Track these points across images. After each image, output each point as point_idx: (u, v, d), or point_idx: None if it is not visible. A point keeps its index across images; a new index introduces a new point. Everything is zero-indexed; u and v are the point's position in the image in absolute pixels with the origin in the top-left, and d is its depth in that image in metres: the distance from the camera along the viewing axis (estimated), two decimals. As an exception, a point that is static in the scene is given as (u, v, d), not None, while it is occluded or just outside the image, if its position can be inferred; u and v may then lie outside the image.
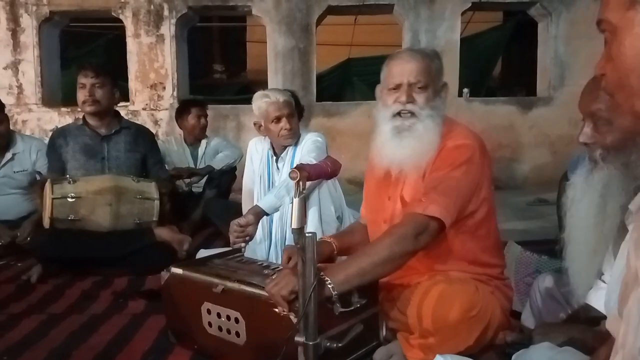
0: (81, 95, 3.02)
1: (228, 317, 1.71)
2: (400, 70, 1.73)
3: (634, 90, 0.69)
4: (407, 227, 1.58)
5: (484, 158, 1.74)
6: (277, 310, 1.53)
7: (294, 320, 1.49)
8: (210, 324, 1.77)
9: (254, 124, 2.77)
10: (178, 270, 1.89)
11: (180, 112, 4.29)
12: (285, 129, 2.65)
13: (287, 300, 1.50)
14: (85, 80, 3.01)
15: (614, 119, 0.75)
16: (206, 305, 1.76)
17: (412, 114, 1.71)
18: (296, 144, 2.73)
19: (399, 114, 1.72)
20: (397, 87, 1.73)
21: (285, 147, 2.74)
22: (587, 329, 1.50)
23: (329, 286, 1.47)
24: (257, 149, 2.87)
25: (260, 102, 2.69)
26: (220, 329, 1.74)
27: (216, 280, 1.76)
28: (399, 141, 1.71)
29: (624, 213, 1.34)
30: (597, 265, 1.48)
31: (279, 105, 2.65)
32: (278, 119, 2.65)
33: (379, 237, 1.66)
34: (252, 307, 1.64)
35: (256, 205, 2.46)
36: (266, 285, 1.57)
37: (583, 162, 1.55)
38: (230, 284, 1.72)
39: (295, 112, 2.77)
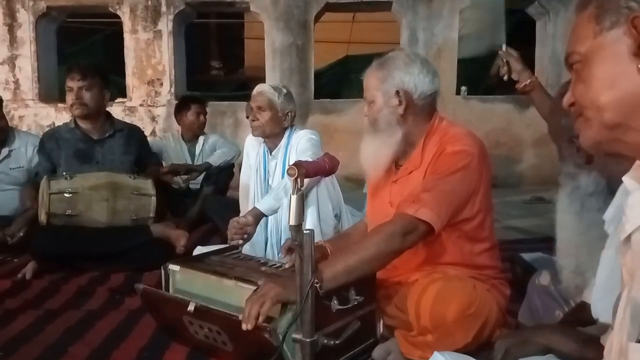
0: (69, 98, 2.96)
1: (210, 329, 1.67)
2: (364, 85, 1.85)
3: (602, 105, 0.78)
4: (396, 226, 1.60)
5: (483, 165, 1.72)
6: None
7: (272, 340, 1.46)
8: (196, 332, 1.74)
9: None
10: (175, 267, 1.88)
11: (180, 109, 4.26)
12: (252, 119, 2.73)
13: (256, 318, 1.45)
14: (72, 84, 2.94)
15: (581, 132, 0.85)
16: (186, 317, 1.72)
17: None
18: (288, 142, 2.72)
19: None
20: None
21: (277, 143, 2.75)
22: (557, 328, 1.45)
23: (315, 284, 1.47)
24: (253, 145, 2.89)
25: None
26: (206, 337, 1.72)
27: (188, 298, 1.72)
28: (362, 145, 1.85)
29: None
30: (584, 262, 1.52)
31: (253, 97, 2.76)
32: (251, 109, 2.77)
33: (367, 235, 1.69)
34: (228, 325, 1.59)
35: (255, 207, 2.46)
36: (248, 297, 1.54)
37: None
38: (201, 302, 1.67)
39: (273, 109, 2.69)
